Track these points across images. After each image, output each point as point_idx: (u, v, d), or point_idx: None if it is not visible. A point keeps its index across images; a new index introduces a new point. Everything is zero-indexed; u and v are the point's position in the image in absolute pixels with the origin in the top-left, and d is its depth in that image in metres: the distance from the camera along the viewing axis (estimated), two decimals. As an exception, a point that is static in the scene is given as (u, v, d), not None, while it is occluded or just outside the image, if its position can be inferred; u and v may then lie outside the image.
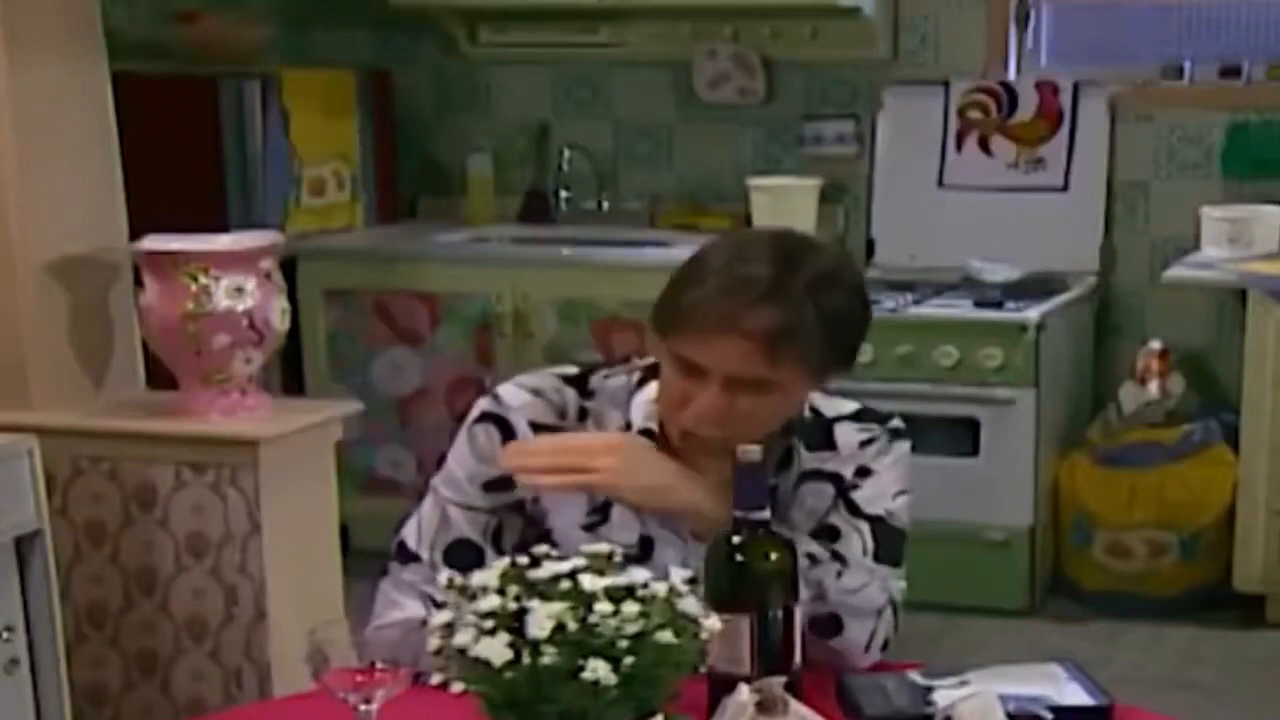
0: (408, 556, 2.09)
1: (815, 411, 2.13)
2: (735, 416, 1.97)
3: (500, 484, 2.06)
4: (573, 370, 2.16)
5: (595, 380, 2.13)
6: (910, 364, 4.67)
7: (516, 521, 2.08)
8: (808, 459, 2.10)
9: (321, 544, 3.40)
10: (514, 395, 2.10)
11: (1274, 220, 4.80)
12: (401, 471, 5.16)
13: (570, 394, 2.11)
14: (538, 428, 2.08)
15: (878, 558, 2.06)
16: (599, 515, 2.07)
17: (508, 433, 2.08)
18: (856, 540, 2.06)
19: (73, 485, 3.31)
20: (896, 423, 2.15)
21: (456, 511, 2.08)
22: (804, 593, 1.90)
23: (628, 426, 2.08)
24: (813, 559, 2.00)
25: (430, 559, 2.06)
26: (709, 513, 1.98)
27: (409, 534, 2.10)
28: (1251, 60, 4.97)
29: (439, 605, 1.89)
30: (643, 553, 2.05)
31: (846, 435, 2.12)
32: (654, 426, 2.07)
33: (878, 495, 2.10)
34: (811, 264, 1.97)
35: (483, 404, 2.11)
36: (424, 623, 1.90)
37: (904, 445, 2.15)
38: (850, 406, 2.16)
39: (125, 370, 3.50)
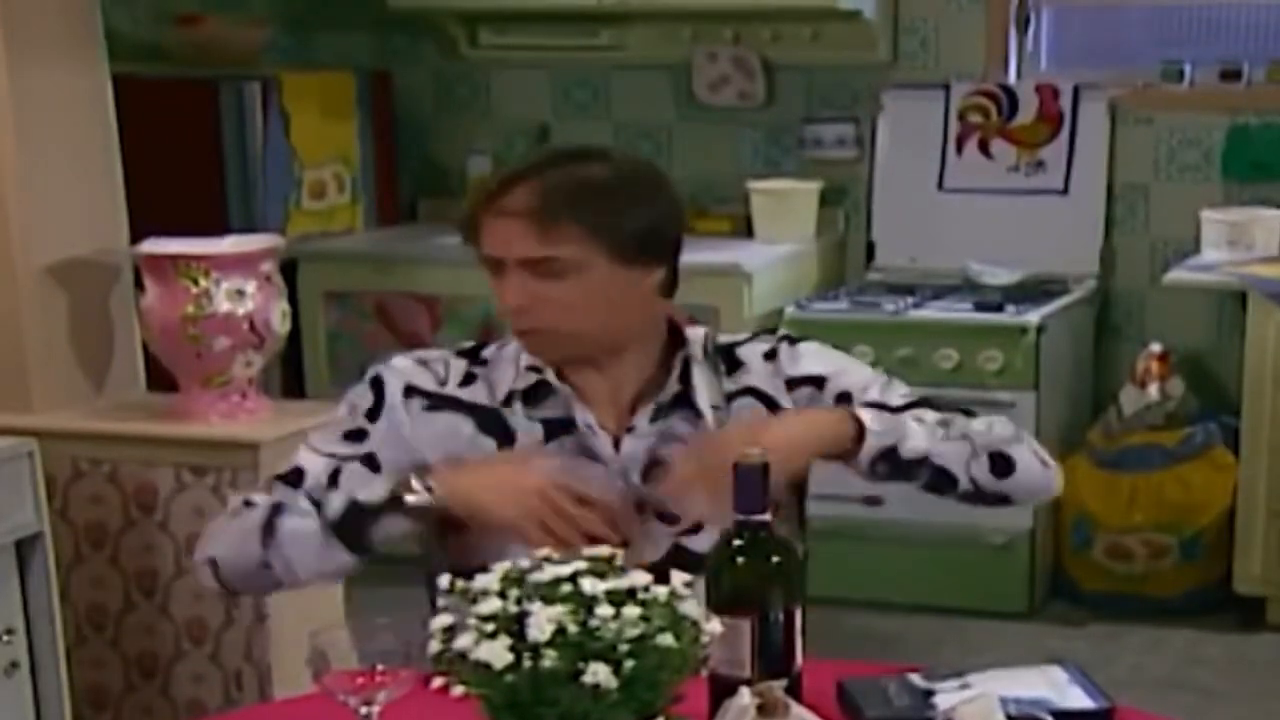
0: (299, 477, 2.19)
1: (716, 344, 2.26)
2: (545, 304, 2.10)
3: (354, 435, 2.20)
4: (469, 344, 2.28)
5: (489, 350, 2.25)
6: (910, 366, 4.66)
7: (359, 470, 2.17)
8: (727, 383, 2.22)
9: (322, 546, 3.39)
10: (400, 361, 2.25)
11: (1274, 223, 4.80)
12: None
13: (458, 364, 2.23)
14: (411, 390, 2.20)
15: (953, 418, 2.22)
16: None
17: (378, 392, 2.21)
18: (932, 417, 2.19)
19: (73, 487, 3.31)
20: (784, 330, 2.42)
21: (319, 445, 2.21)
22: (962, 449, 2.15)
23: (518, 372, 2.19)
24: (945, 424, 2.18)
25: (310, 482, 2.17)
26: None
27: (303, 462, 2.21)
28: (1251, 62, 4.97)
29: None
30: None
31: (748, 353, 2.25)
32: (539, 361, 2.18)
33: (884, 387, 2.26)
34: (586, 162, 2.14)
35: (372, 368, 2.25)
36: (247, 502, 2.18)
37: (809, 344, 2.30)
38: (743, 335, 2.31)
39: (125, 373, 3.50)
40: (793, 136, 5.35)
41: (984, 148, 5.15)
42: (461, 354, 2.25)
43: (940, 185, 5.19)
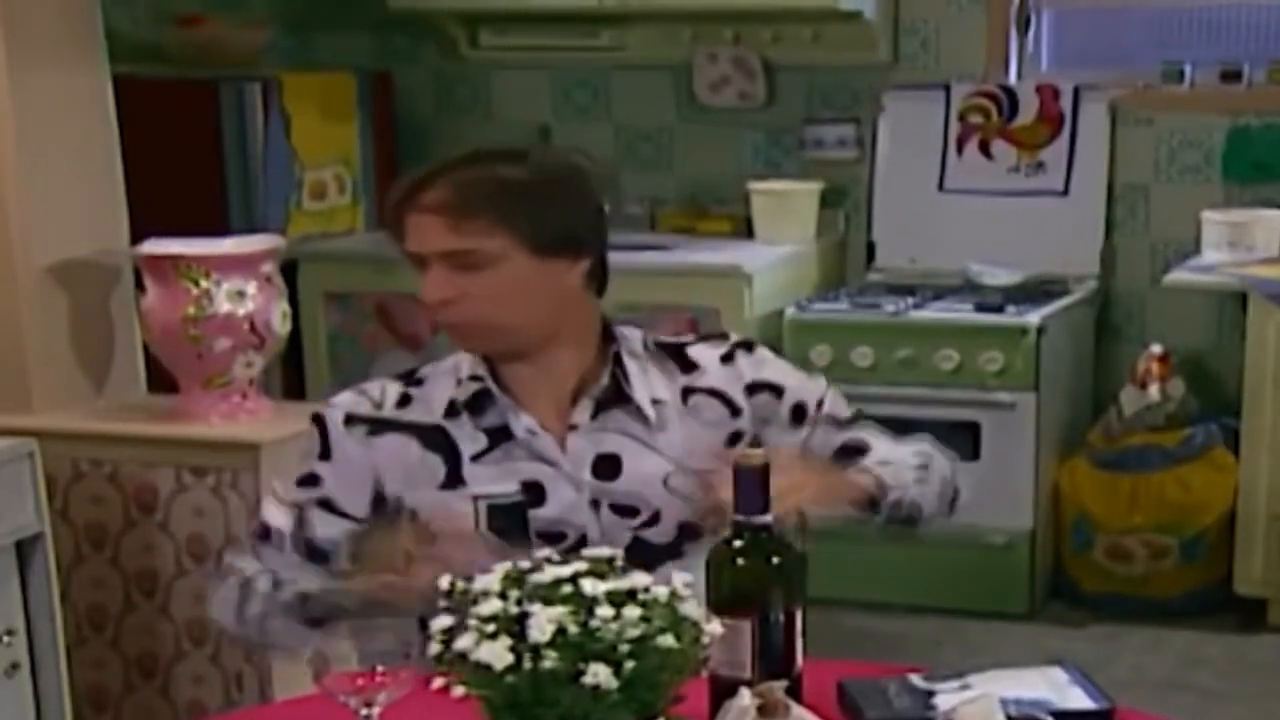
0: (266, 534, 2.22)
1: (659, 342, 2.29)
2: (466, 297, 2.15)
3: (307, 479, 2.22)
4: (407, 368, 2.33)
5: (425, 369, 2.29)
6: (911, 367, 4.67)
7: (321, 514, 2.20)
8: (682, 379, 2.25)
9: (322, 547, 3.39)
10: (340, 396, 2.29)
11: (1275, 224, 4.80)
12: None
13: (393, 387, 2.26)
14: (351, 419, 2.22)
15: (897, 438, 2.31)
16: (451, 483, 2.19)
17: (321, 430, 2.23)
18: (878, 437, 2.28)
19: (73, 488, 3.32)
20: (735, 336, 2.35)
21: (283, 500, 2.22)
22: (932, 491, 2.22)
23: (459, 383, 2.22)
24: (923, 466, 2.25)
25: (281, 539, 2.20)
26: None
27: (269, 516, 2.24)
28: (1252, 63, 4.97)
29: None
30: (535, 497, 2.17)
31: (701, 354, 2.28)
32: (480, 370, 2.22)
33: (833, 399, 2.31)
34: (504, 153, 2.20)
35: (316, 410, 2.28)
36: (248, 582, 2.17)
37: (761, 351, 2.32)
38: (689, 336, 2.35)
39: (126, 373, 3.50)
40: (793, 137, 5.35)
41: (984, 148, 5.15)
42: (398, 377, 2.29)
43: (941, 186, 5.19)
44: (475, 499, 2.17)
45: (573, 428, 2.20)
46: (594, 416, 2.20)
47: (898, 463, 2.23)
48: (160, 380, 3.45)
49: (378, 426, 2.22)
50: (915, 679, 1.94)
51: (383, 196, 5.57)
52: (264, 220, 4.86)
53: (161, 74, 4.93)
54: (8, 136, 3.24)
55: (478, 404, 2.20)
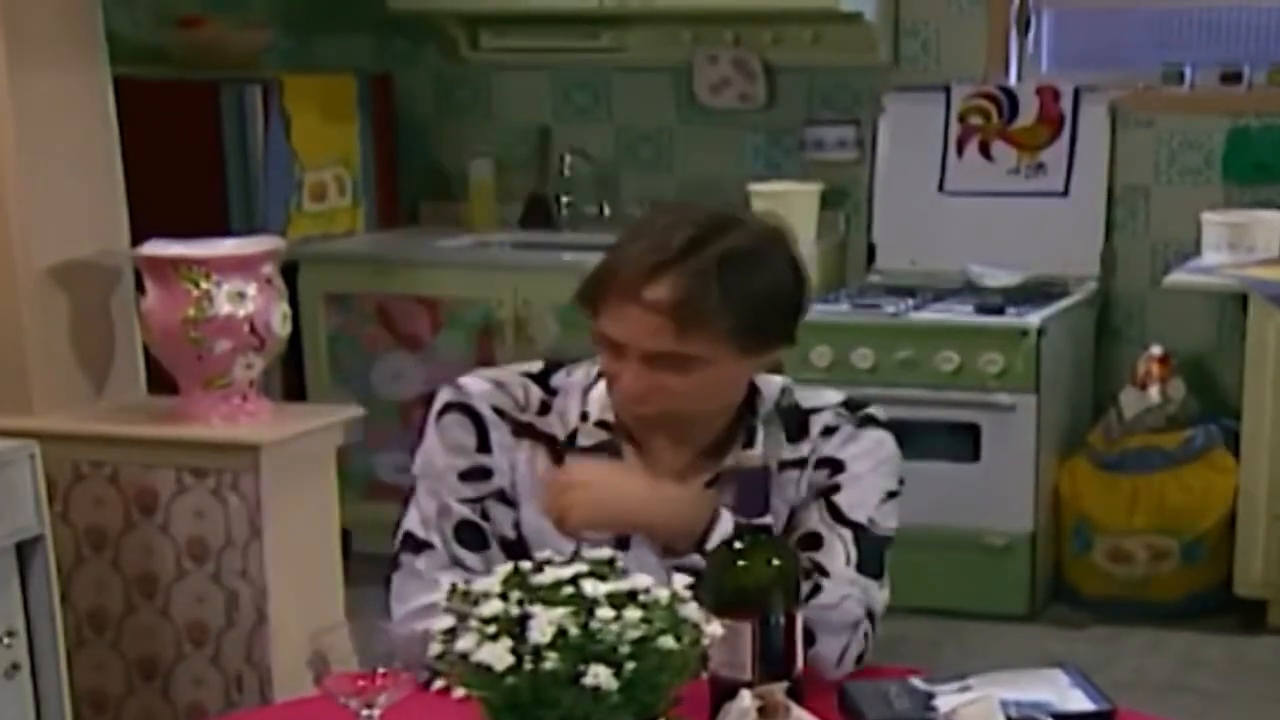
0: (419, 545, 2.11)
1: (795, 402, 2.14)
2: (664, 393, 2.00)
3: (475, 473, 2.11)
4: (536, 367, 2.18)
5: (558, 377, 2.16)
6: (911, 369, 4.67)
7: (500, 508, 2.11)
8: (786, 449, 2.09)
9: (323, 549, 3.40)
10: (475, 384, 2.15)
11: (1275, 225, 4.80)
12: (403, 476, 5.14)
13: (534, 390, 2.14)
14: (501, 413, 2.12)
15: (860, 568, 2.04)
16: None
17: (474, 418, 2.12)
18: (840, 549, 2.03)
19: (74, 490, 3.31)
20: (871, 410, 2.14)
21: (450, 499, 2.11)
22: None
23: (584, 417, 2.11)
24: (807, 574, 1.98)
25: (443, 544, 2.09)
26: (666, 533, 2.00)
27: (414, 525, 2.13)
28: (1252, 65, 4.97)
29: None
30: (619, 545, 2.04)
31: (817, 422, 2.12)
32: (610, 418, 2.09)
33: (862, 500, 2.07)
34: (726, 238, 1.98)
35: (445, 394, 2.16)
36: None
37: (875, 433, 2.12)
38: (831, 398, 2.16)
39: (126, 375, 3.50)
40: (794, 139, 5.35)
41: (985, 150, 5.15)
42: (532, 377, 2.15)
43: (941, 187, 5.19)
44: (579, 542, 2.06)
45: None
46: (708, 485, 2.07)
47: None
48: (160, 381, 3.45)
49: (520, 429, 2.11)
50: (916, 681, 1.94)
51: (383, 197, 5.43)
52: (264, 221, 4.86)
53: (162, 75, 4.94)
54: (8, 137, 3.24)
55: (598, 451, 2.09)
